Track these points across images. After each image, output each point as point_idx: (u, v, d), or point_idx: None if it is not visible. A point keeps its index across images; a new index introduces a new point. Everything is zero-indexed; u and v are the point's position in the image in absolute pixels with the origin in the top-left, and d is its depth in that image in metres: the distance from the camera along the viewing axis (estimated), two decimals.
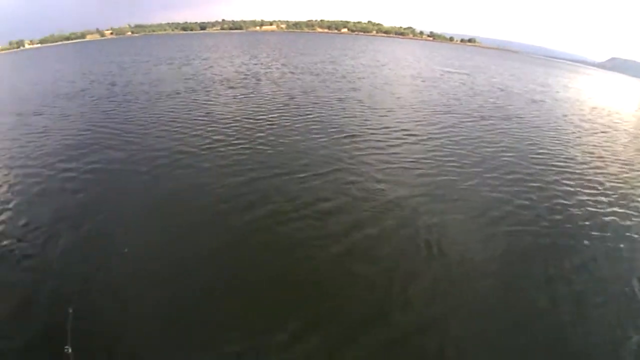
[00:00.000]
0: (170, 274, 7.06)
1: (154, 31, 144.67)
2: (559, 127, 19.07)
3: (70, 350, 4.77)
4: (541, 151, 14.47)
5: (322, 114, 17.72)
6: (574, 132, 18.36)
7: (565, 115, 22.47)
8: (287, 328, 5.79)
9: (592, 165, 13.43)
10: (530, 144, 15.32)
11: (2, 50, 79.42)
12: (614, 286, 7.13)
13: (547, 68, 65.73)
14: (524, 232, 8.57)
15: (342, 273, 7.10)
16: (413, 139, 14.67)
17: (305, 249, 7.69)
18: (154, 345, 5.59)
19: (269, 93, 22.60)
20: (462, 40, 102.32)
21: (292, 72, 30.63)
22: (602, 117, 23.78)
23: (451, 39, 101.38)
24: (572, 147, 15.54)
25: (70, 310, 5.43)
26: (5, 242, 8.11)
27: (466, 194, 10.13)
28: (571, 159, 13.92)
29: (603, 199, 10.58)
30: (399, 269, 7.17)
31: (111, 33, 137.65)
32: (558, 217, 9.39)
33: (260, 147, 13.28)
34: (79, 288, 6.42)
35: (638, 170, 13.32)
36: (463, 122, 17.99)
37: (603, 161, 14.03)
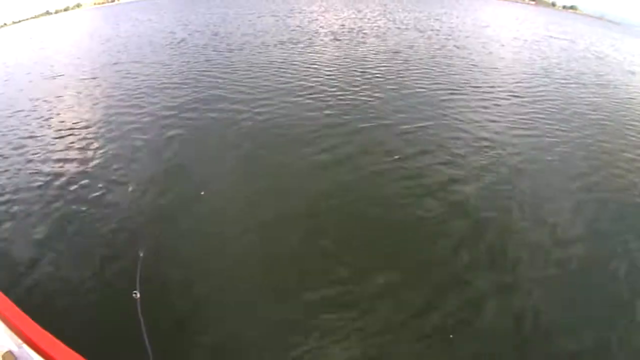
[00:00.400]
0: (251, 223, 6.51)
1: None
2: None
3: (138, 296, 4.35)
4: (635, 120, 13.55)
5: (428, 70, 17.43)
6: None
7: None
8: (375, 277, 5.52)
9: None
10: (624, 114, 14.34)
11: (96, 4, 72.42)
12: None
13: None
14: (614, 200, 8.16)
15: (433, 224, 6.83)
16: (515, 99, 14.48)
17: (400, 199, 7.42)
18: (224, 293, 5.14)
19: (375, 47, 21.81)
20: (564, 7, 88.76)
21: (398, 28, 29.37)
22: None
23: (553, 4, 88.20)
24: None
25: (141, 254, 5.03)
26: (93, 173, 7.98)
27: (563, 157, 9.91)
28: None
29: None
30: (489, 226, 6.86)
31: None
32: None
33: (365, 97, 12.89)
34: (151, 231, 5.94)
35: None
36: (563, 86, 17.09)
37: None
